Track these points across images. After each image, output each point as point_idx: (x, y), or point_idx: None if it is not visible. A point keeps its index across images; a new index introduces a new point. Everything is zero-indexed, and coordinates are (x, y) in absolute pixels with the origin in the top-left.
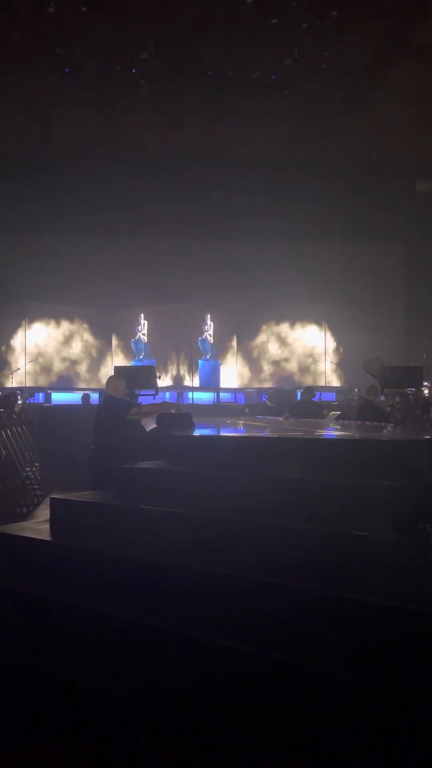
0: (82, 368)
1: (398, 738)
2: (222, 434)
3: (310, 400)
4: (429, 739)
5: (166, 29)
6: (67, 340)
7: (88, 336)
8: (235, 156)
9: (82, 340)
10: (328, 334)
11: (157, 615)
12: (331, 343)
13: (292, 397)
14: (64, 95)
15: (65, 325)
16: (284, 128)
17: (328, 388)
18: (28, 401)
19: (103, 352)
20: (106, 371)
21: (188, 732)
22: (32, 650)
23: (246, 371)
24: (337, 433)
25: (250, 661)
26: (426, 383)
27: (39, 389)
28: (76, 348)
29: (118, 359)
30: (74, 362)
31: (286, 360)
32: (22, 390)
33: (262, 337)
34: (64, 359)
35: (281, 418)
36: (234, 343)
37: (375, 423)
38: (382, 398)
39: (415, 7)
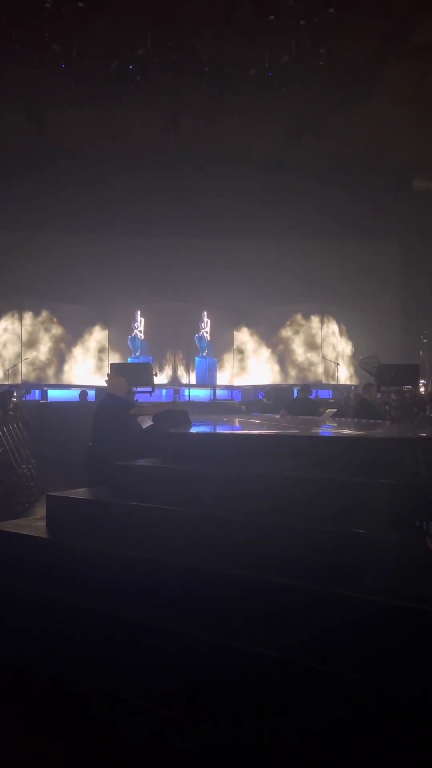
0: (78, 365)
1: (398, 737)
2: (218, 432)
3: (306, 398)
4: (429, 739)
5: (163, 26)
6: (64, 337)
7: (84, 333)
8: (232, 153)
9: (78, 337)
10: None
11: (154, 613)
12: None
13: (288, 395)
14: (60, 92)
15: (61, 323)
16: (282, 126)
17: (324, 386)
18: (24, 398)
19: (100, 348)
20: (103, 368)
21: (188, 732)
22: (29, 648)
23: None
24: (333, 430)
25: (248, 661)
26: (422, 381)
27: (35, 386)
28: (73, 345)
29: (114, 356)
30: (70, 359)
31: (283, 358)
32: (18, 387)
33: (258, 335)
34: (58, 356)
35: (278, 416)
36: (232, 340)
37: (372, 421)
38: (379, 396)
39: (414, 5)
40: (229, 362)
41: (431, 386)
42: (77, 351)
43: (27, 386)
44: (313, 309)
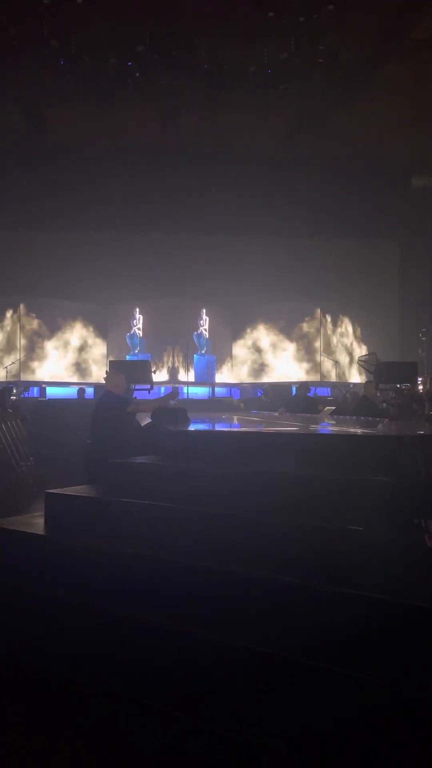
0: (75, 363)
1: (399, 736)
2: (217, 429)
3: (305, 395)
4: (429, 739)
5: (162, 23)
6: (63, 335)
7: (83, 330)
8: (231, 151)
9: (77, 335)
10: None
11: (153, 611)
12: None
13: (287, 393)
14: (59, 90)
15: (61, 320)
16: (280, 124)
17: (323, 383)
18: (22, 395)
19: (99, 346)
20: (103, 365)
21: (189, 731)
22: (28, 646)
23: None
24: (332, 428)
25: (249, 659)
26: (420, 378)
27: (34, 383)
28: (72, 343)
29: (113, 354)
30: (68, 357)
31: (282, 356)
32: (17, 384)
33: (257, 332)
34: (58, 354)
35: (276, 413)
36: (231, 338)
37: (370, 418)
38: (378, 394)
39: (413, 3)
40: (228, 360)
41: (429, 384)
42: (76, 349)
43: (25, 383)
44: (311, 307)
